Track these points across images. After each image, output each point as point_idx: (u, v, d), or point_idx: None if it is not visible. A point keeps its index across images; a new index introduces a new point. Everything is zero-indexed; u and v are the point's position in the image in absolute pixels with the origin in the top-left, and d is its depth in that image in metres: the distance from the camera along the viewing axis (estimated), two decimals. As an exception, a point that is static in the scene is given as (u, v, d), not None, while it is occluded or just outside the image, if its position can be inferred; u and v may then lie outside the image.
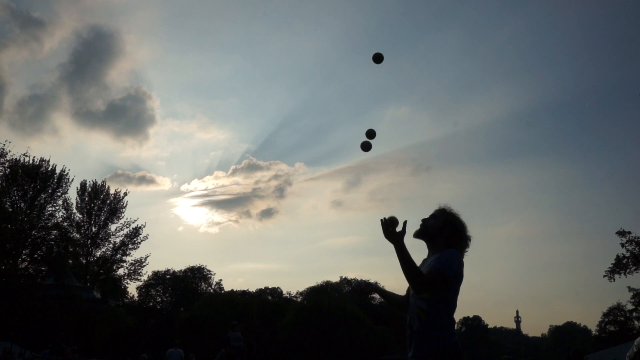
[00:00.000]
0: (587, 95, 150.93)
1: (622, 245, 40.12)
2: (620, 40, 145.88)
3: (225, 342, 13.61)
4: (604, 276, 41.26)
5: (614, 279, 40.62)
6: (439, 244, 3.37)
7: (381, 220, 3.21)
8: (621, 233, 40.20)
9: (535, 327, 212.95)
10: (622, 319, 47.62)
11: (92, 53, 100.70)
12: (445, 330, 3.15)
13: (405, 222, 3.19)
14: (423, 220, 3.49)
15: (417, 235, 3.47)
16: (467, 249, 3.42)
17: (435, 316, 3.16)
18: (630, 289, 42.35)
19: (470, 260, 3.41)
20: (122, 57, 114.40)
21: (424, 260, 3.44)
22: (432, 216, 3.49)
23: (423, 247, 3.51)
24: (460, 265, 3.22)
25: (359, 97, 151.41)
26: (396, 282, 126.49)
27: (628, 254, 39.99)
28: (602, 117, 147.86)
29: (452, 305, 3.23)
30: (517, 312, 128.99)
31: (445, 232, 3.38)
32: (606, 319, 49.60)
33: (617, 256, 40.57)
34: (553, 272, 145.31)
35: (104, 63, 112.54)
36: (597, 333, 52.17)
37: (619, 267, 40.42)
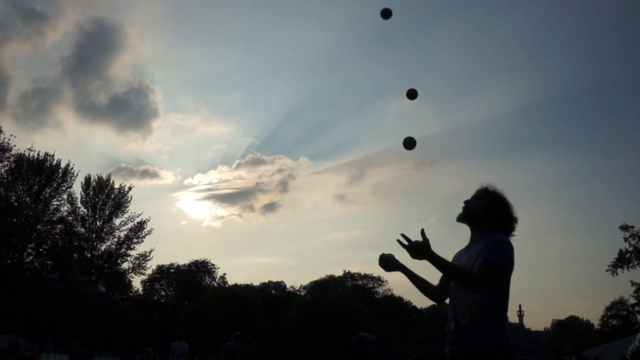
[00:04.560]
0: (592, 91, 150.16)
1: (625, 239, 40.09)
2: (625, 34, 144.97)
3: (360, 344, 12.34)
4: (607, 270, 41.26)
5: (617, 273, 40.62)
6: (484, 227, 3.12)
7: (406, 244, 2.95)
8: (624, 227, 40.16)
9: (538, 321, 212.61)
10: (625, 313, 47.59)
11: (95, 46, 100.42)
12: (497, 323, 2.93)
13: (422, 231, 2.90)
14: (466, 202, 3.23)
15: (461, 219, 3.22)
16: (514, 232, 3.15)
17: (490, 309, 2.93)
18: (632, 283, 42.35)
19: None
20: (125, 51, 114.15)
21: (467, 248, 3.19)
22: (475, 197, 3.22)
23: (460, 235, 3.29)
24: (513, 253, 2.97)
25: (363, 91, 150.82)
26: (402, 278, 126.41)
27: (631, 249, 39.95)
28: (605, 111, 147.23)
29: (506, 297, 2.99)
30: (520, 306, 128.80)
31: (491, 214, 3.13)
32: (609, 313, 49.60)
33: (620, 250, 40.54)
34: (556, 266, 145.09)
35: (106, 56, 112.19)
36: (599, 327, 52.15)
37: (621, 261, 40.39)
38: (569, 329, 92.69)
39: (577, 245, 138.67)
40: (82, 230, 40.45)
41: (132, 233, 43.25)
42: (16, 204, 32.32)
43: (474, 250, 3.05)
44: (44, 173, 35.93)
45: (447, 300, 3.25)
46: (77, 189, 42.82)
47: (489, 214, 3.13)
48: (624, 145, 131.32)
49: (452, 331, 3.04)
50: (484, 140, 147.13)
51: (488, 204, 3.15)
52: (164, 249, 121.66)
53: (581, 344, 19.49)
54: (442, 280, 3.30)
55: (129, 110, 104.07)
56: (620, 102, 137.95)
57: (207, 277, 70.15)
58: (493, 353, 2.88)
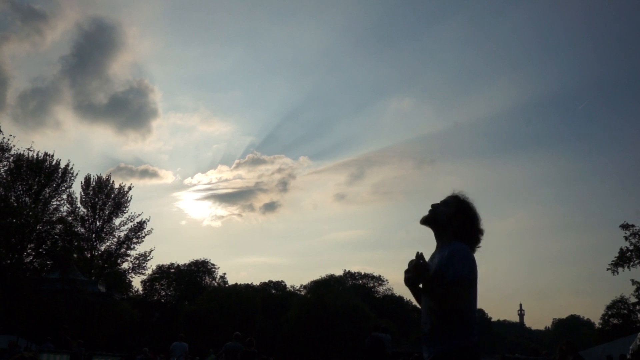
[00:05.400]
0: (592, 90, 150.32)
1: (626, 238, 40.12)
2: (625, 32, 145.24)
3: (376, 345, 12.16)
4: (608, 269, 41.29)
5: (618, 272, 40.63)
6: (448, 233, 3.06)
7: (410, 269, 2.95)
8: (625, 226, 40.17)
9: (538, 320, 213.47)
10: (626, 312, 47.58)
11: (94, 46, 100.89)
12: (459, 330, 2.87)
13: (421, 255, 2.92)
14: (433, 205, 3.16)
15: (425, 221, 3.15)
16: (478, 245, 3.08)
17: (450, 316, 2.88)
18: (633, 282, 42.37)
19: (475, 252, 3.10)
20: (124, 50, 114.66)
21: (433, 255, 3.12)
22: (444, 202, 3.16)
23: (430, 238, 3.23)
24: (475, 263, 2.93)
25: (363, 90, 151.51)
26: (400, 276, 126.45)
27: (632, 247, 39.97)
28: (606, 110, 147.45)
29: (470, 304, 2.92)
30: (521, 305, 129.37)
31: (456, 221, 3.06)
32: (609, 312, 49.58)
33: (621, 249, 40.56)
34: (557, 265, 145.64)
35: (106, 56, 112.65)
36: (600, 326, 52.17)
37: (622, 260, 40.39)
38: (570, 328, 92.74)
39: (578, 244, 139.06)
40: (82, 230, 40.41)
41: (132, 233, 43.23)
42: (15, 204, 32.24)
43: (437, 258, 3.03)
44: (44, 173, 35.85)
45: None
46: (76, 189, 42.81)
47: (453, 222, 3.08)
48: (625, 144, 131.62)
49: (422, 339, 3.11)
50: (484, 139, 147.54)
51: (455, 212, 3.10)
52: (164, 248, 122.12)
53: (578, 342, 19.49)
54: None
55: (129, 109, 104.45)
56: (620, 102, 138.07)
57: (207, 277, 70.12)
58: (453, 358, 2.86)
